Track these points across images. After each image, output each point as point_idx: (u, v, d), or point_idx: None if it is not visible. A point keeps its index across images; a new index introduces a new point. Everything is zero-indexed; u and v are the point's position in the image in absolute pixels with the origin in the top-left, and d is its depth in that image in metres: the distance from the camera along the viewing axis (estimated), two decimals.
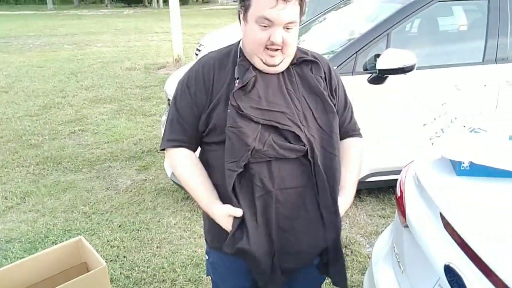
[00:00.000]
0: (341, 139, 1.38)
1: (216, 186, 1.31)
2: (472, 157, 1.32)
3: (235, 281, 1.43)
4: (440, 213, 1.23)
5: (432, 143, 2.32)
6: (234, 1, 35.35)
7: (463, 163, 1.33)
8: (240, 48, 1.30)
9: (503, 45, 3.13)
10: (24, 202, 3.41)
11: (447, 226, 1.19)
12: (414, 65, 2.81)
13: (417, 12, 3.10)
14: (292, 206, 1.27)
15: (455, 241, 1.14)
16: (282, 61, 1.24)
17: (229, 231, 1.27)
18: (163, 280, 2.47)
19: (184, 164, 1.33)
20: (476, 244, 1.07)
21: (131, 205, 3.32)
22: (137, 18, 21.70)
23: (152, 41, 12.73)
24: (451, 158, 1.38)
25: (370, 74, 2.95)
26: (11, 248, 2.78)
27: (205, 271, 1.63)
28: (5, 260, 2.65)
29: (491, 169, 1.29)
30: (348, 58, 2.97)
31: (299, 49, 1.32)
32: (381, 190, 3.37)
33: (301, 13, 1.22)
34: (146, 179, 3.75)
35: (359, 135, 1.48)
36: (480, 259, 1.04)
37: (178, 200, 3.37)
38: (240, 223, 1.25)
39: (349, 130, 1.44)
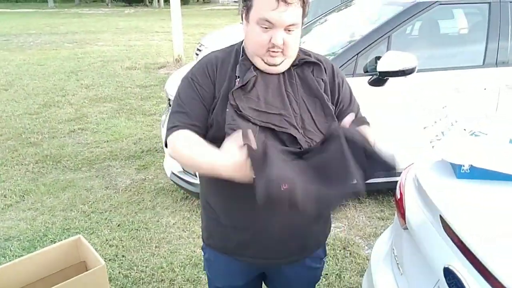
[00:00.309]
0: None
1: (216, 185, 1.30)
2: (472, 160, 1.32)
3: (228, 279, 1.44)
4: (440, 216, 1.24)
5: (433, 146, 2.33)
6: (235, 2, 35.39)
7: (463, 166, 1.34)
8: (242, 47, 1.30)
9: (504, 48, 3.14)
10: (23, 201, 3.41)
11: (447, 228, 1.19)
12: (415, 67, 2.81)
13: (418, 14, 3.10)
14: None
15: (455, 243, 1.15)
16: (283, 62, 1.24)
17: (252, 169, 1.01)
18: (162, 280, 2.47)
19: (183, 146, 1.18)
20: (476, 246, 1.07)
21: (130, 205, 3.32)
22: (137, 18, 21.72)
23: (152, 41, 12.73)
24: (452, 161, 1.38)
25: (371, 76, 2.95)
26: (10, 247, 2.78)
27: (204, 271, 1.63)
28: (3, 259, 2.65)
29: (491, 172, 1.29)
30: (349, 60, 2.97)
31: (302, 50, 1.31)
32: (380, 192, 3.37)
33: (304, 15, 1.20)
34: (145, 179, 3.75)
35: (368, 125, 1.43)
36: (479, 261, 1.04)
37: (177, 200, 3.37)
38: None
39: (358, 123, 1.35)
